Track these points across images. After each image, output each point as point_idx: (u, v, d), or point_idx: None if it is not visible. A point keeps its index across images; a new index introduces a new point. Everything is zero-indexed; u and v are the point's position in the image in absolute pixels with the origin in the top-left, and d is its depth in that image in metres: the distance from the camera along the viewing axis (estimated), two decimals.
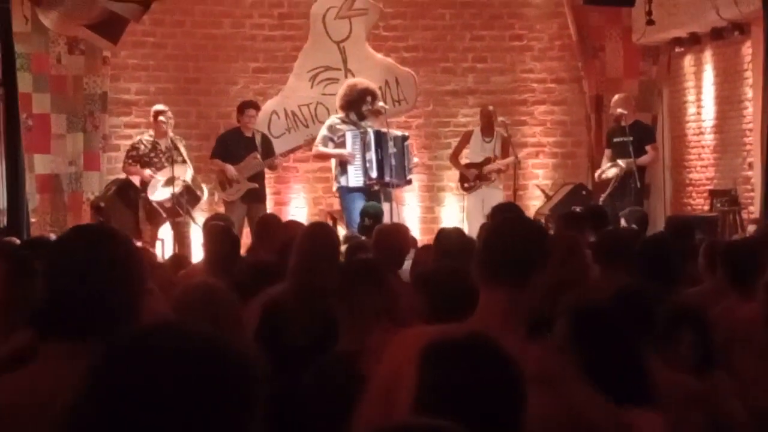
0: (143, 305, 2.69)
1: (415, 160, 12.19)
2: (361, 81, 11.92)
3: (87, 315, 2.58)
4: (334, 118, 11.72)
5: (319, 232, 5.70)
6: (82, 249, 2.67)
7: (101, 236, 2.77)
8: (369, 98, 11.52)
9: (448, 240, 6.11)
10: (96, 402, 1.70)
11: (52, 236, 9.91)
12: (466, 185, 12.78)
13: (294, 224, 7.87)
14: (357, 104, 11.53)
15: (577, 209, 9.67)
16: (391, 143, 11.34)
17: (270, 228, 7.59)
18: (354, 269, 4.54)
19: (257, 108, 12.29)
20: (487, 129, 12.73)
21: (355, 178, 11.40)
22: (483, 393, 2.41)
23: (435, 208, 13.92)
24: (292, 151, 13.08)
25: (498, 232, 3.39)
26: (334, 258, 5.51)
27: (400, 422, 1.86)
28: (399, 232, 6.96)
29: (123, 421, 1.66)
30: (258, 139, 12.05)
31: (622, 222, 9.12)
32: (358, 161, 11.39)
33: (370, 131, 11.42)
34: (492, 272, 3.21)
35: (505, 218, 4.37)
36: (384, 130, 11.45)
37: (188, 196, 11.39)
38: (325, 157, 11.90)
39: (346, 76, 12.94)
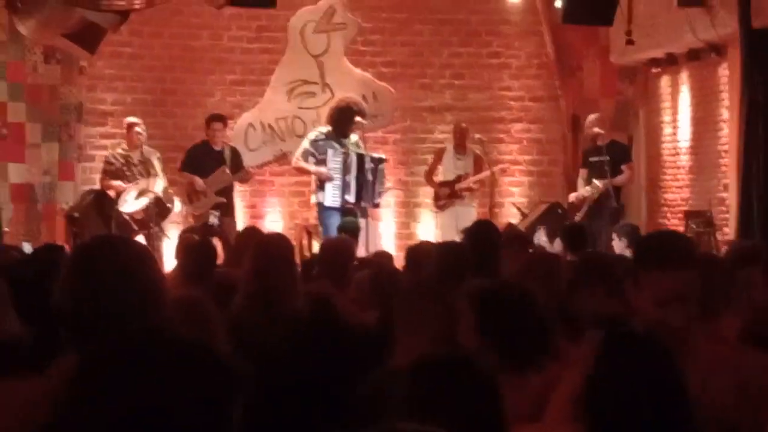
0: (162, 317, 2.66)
1: (388, 184, 12.14)
2: (351, 98, 11.90)
3: (113, 327, 2.55)
4: (318, 132, 11.69)
5: (273, 241, 5.66)
6: (109, 260, 2.66)
7: (125, 247, 2.76)
8: (356, 116, 11.51)
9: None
10: (74, 412, 1.68)
11: (26, 246, 9.85)
12: (439, 203, 12.78)
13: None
14: (344, 123, 11.51)
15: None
16: (369, 166, 11.34)
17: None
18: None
19: (223, 121, 12.17)
20: (460, 146, 12.75)
21: (332, 197, 11.38)
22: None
23: (411, 224, 13.90)
24: (266, 164, 13.00)
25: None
26: (291, 265, 5.45)
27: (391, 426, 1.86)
28: (342, 245, 6.89)
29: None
30: (227, 153, 11.97)
31: (614, 237, 9.06)
32: (337, 181, 11.36)
33: (353, 154, 11.40)
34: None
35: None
36: (364, 153, 11.44)
37: (158, 209, 11.33)
38: (303, 172, 11.88)
39: (323, 91, 12.94)
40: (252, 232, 8.21)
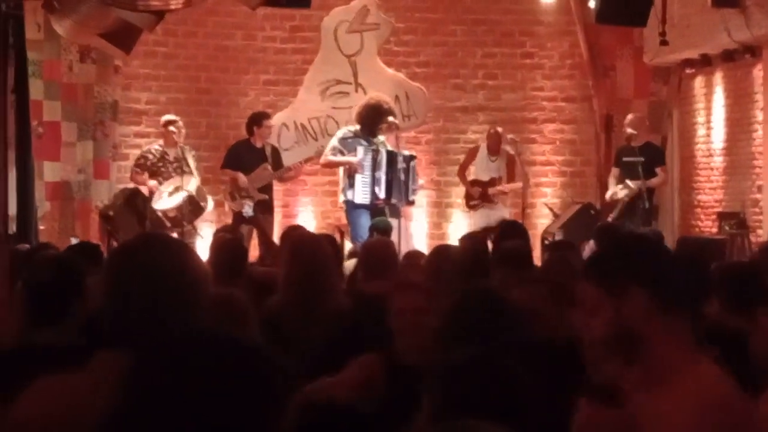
0: (201, 318, 2.66)
1: (421, 181, 12.17)
2: (380, 97, 11.89)
3: (159, 324, 2.54)
4: (347, 130, 11.72)
5: (315, 242, 5.70)
6: (153, 258, 2.65)
7: (168, 245, 2.77)
8: (386, 116, 11.50)
9: None
10: (132, 406, 1.74)
11: (74, 241, 9.95)
12: (471, 203, 12.79)
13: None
14: (373, 122, 11.51)
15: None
16: (401, 164, 11.35)
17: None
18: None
19: (271, 118, 12.31)
20: (494, 149, 12.75)
21: (362, 194, 11.37)
22: None
23: (443, 224, 13.91)
24: (309, 160, 13.02)
25: None
26: (333, 266, 5.50)
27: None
28: (384, 246, 6.89)
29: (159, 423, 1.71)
30: (268, 151, 12.04)
31: None
32: (366, 177, 11.36)
33: (383, 150, 11.40)
34: None
35: None
36: (395, 150, 11.44)
37: (192, 207, 11.38)
38: (333, 165, 11.88)
39: (356, 91, 12.97)
40: (296, 231, 8.14)
